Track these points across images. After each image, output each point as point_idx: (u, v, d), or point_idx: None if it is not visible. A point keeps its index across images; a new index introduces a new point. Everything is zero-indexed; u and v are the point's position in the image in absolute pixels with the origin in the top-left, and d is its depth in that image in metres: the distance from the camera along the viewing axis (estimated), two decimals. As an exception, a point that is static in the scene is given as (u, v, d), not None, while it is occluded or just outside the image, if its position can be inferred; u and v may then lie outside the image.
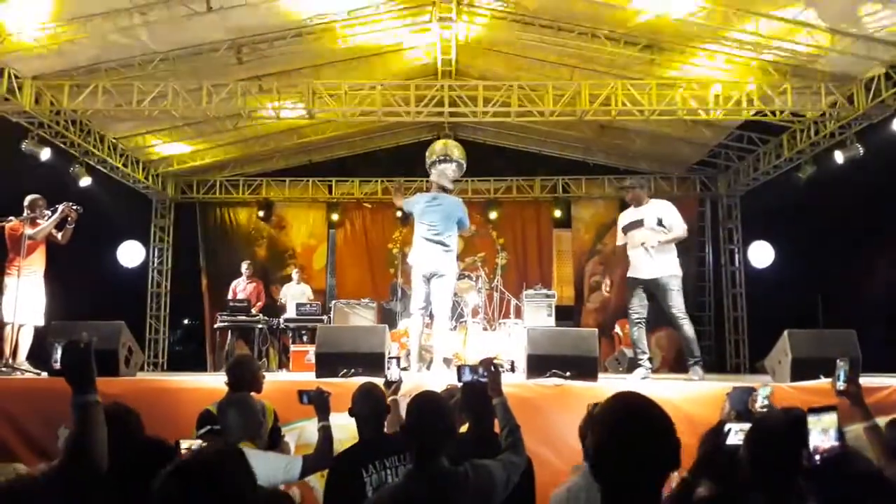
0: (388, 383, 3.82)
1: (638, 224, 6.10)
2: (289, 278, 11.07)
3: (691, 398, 4.83)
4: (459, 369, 3.27)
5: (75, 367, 1.98)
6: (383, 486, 2.86)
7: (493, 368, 3.07)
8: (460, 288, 8.37)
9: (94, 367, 1.99)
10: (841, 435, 2.06)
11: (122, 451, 2.03)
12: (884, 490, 2.17)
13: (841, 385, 2.87)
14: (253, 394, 3.71)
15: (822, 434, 2.00)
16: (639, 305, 6.04)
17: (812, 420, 2.00)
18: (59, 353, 2.15)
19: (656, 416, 1.62)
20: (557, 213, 12.51)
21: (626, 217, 6.33)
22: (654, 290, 6.01)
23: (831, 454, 1.99)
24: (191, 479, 1.62)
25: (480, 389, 3.11)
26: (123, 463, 2.02)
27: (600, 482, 1.61)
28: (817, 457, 1.96)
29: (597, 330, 5.97)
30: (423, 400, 2.60)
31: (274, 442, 3.78)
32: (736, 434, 2.34)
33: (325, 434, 3.19)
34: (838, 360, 2.96)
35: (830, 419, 2.02)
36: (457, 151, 11.33)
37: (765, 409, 3.34)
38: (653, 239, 5.94)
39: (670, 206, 6.20)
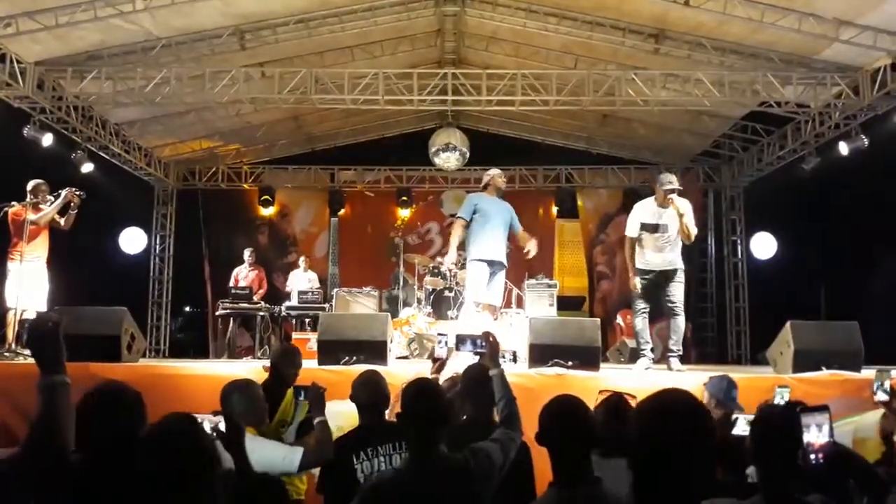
0: (434, 360, 3.82)
1: (662, 229, 6.00)
2: (291, 266, 11.07)
3: (693, 389, 4.83)
4: (458, 339, 3.28)
5: (41, 346, 1.89)
6: (376, 474, 2.87)
7: (491, 340, 3.09)
8: (461, 277, 8.41)
9: (62, 346, 1.90)
10: (832, 432, 2.15)
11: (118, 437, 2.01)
12: (877, 485, 2.25)
13: (883, 396, 2.92)
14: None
15: (816, 431, 2.08)
16: (647, 296, 6.05)
17: (806, 419, 2.08)
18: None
19: (704, 417, 1.61)
20: (562, 203, 12.51)
21: (646, 214, 6.11)
22: (660, 281, 6.02)
23: (826, 450, 2.05)
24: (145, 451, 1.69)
25: (480, 375, 3.12)
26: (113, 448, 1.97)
27: (636, 474, 1.57)
28: (812, 455, 2.02)
29: (599, 320, 5.98)
30: (418, 387, 2.60)
31: (305, 432, 3.79)
32: (742, 425, 2.36)
33: (323, 429, 3.18)
34: (877, 370, 3.01)
35: (823, 417, 2.12)
36: (459, 141, 11.37)
37: None
38: (672, 240, 5.99)
39: (689, 207, 6.02)
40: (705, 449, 1.55)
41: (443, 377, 3.61)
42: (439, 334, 3.99)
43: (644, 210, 6.16)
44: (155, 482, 1.69)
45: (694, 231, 5.99)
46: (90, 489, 1.82)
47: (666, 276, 6.00)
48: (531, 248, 6.63)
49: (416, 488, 2.35)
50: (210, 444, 1.82)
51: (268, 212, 12.52)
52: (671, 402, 1.61)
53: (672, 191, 5.93)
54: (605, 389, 3.17)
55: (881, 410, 3.17)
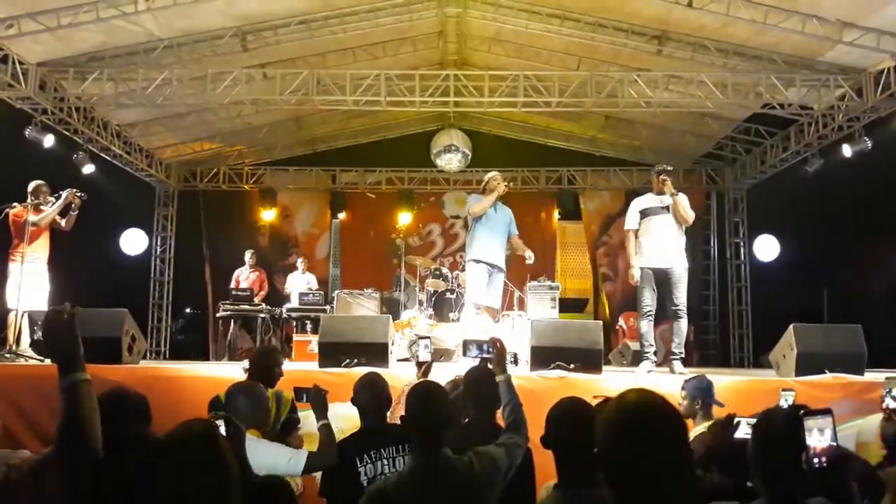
0: (419, 364, 3.81)
1: (662, 210, 6.05)
2: (292, 267, 11.06)
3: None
4: (465, 345, 3.27)
5: (58, 341, 1.80)
6: (379, 477, 2.86)
7: (498, 345, 3.10)
8: (462, 279, 8.40)
9: (79, 340, 1.81)
10: (836, 435, 2.12)
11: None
12: (878, 488, 2.26)
13: (892, 403, 2.91)
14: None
15: (819, 434, 2.06)
16: (651, 298, 6.01)
17: (808, 422, 2.06)
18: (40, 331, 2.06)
19: (671, 416, 1.54)
20: (564, 205, 12.49)
21: (645, 202, 6.20)
22: (665, 279, 5.98)
23: (829, 454, 2.03)
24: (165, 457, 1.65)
25: (484, 377, 3.10)
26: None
27: (611, 486, 1.52)
28: (816, 460, 2.00)
29: (601, 322, 5.95)
30: (422, 390, 2.59)
31: (286, 431, 3.77)
32: (745, 428, 2.34)
33: (327, 432, 3.17)
34: (887, 377, 3.00)
35: (826, 420, 2.09)
36: (461, 142, 11.36)
37: None
38: (675, 228, 5.99)
39: (685, 196, 6.19)
40: (677, 448, 1.50)
41: (445, 380, 3.60)
42: (420, 338, 3.99)
43: (641, 201, 6.27)
44: (175, 491, 1.66)
45: (691, 214, 6.10)
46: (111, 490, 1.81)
47: (671, 277, 5.97)
48: (529, 255, 6.69)
49: (420, 491, 2.34)
50: (229, 450, 1.79)
51: (269, 215, 12.50)
52: (638, 406, 1.55)
53: (664, 171, 6.11)
54: (598, 395, 3.17)
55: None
